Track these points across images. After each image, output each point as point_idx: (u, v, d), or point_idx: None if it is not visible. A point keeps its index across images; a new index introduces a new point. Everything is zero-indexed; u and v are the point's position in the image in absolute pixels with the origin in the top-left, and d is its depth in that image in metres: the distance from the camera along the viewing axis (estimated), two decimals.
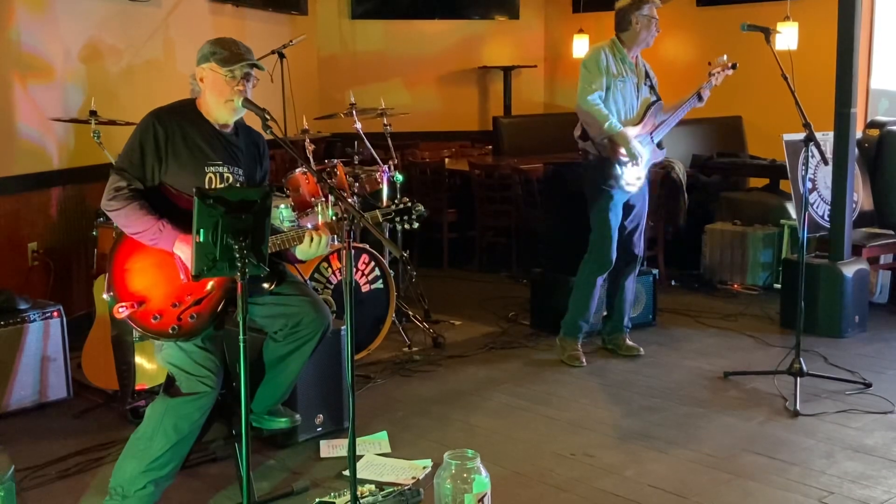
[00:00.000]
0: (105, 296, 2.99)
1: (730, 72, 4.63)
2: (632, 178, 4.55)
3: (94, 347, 4.20)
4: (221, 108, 3.02)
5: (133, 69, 5.65)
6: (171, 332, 2.91)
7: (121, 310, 2.90)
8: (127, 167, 2.95)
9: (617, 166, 4.50)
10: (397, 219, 3.14)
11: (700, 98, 4.62)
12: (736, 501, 3.19)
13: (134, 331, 3.84)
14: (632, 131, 4.54)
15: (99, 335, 4.18)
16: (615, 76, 4.58)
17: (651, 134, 4.62)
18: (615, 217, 4.60)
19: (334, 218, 3.16)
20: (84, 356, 4.24)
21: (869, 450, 3.60)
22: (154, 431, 2.94)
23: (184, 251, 2.87)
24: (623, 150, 4.50)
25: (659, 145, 4.70)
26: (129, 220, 2.90)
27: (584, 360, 4.69)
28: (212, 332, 3.00)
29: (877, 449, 3.61)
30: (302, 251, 3.07)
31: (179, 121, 3.00)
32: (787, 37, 6.13)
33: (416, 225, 3.16)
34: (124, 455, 3.00)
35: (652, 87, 4.70)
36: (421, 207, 3.17)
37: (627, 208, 4.68)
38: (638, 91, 4.65)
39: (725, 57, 4.63)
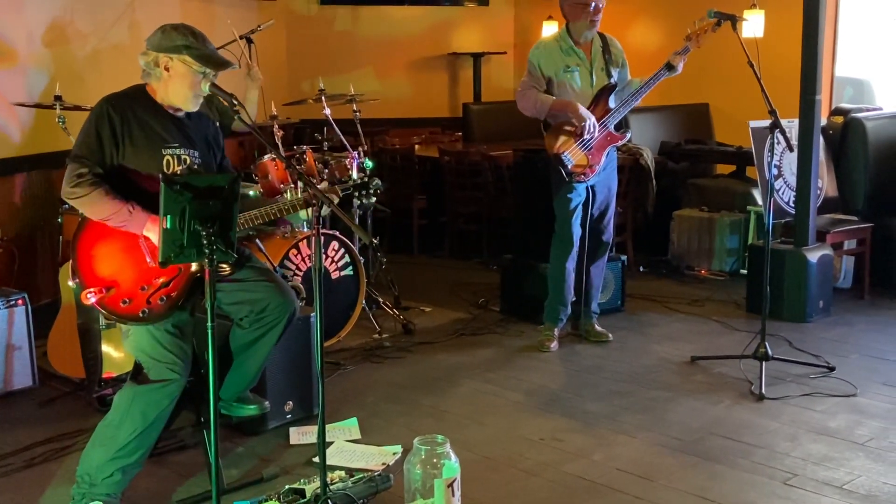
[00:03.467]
0: (70, 283, 2.96)
1: (715, 29, 4.42)
2: (578, 167, 4.50)
3: (60, 335, 4.16)
4: (186, 101, 3.00)
5: (99, 54, 5.57)
6: (141, 315, 2.89)
7: (89, 296, 2.87)
8: (86, 154, 2.90)
9: (562, 158, 4.48)
10: (356, 193, 3.14)
11: (672, 68, 4.48)
12: (702, 484, 3.24)
13: (101, 318, 3.84)
14: None
15: (65, 323, 4.13)
16: (561, 68, 4.56)
17: (604, 119, 4.54)
18: (576, 199, 4.61)
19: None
20: (50, 344, 4.19)
21: (832, 432, 3.66)
22: (122, 419, 2.93)
23: (154, 233, 2.83)
24: (573, 121, 4.47)
25: (618, 127, 4.62)
26: (96, 206, 2.87)
27: (552, 347, 4.72)
28: (186, 318, 2.99)
29: (840, 431, 3.67)
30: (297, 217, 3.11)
31: (132, 105, 2.98)
32: (753, 24, 6.16)
33: (373, 199, 3.19)
34: (92, 443, 2.98)
35: (608, 72, 4.60)
36: (378, 181, 3.17)
37: (592, 196, 4.69)
38: (591, 77, 4.60)
39: (711, 15, 4.39)
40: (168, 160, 2.97)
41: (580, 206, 4.64)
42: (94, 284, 2.89)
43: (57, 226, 4.53)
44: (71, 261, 2.94)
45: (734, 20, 4.21)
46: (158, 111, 3.02)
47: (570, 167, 4.49)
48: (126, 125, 2.93)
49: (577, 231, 4.66)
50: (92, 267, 2.91)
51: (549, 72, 4.58)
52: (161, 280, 2.90)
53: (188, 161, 3.02)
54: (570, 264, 4.72)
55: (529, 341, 4.84)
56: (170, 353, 2.94)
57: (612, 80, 4.60)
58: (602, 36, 4.67)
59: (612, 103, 4.59)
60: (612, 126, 4.59)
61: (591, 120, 4.45)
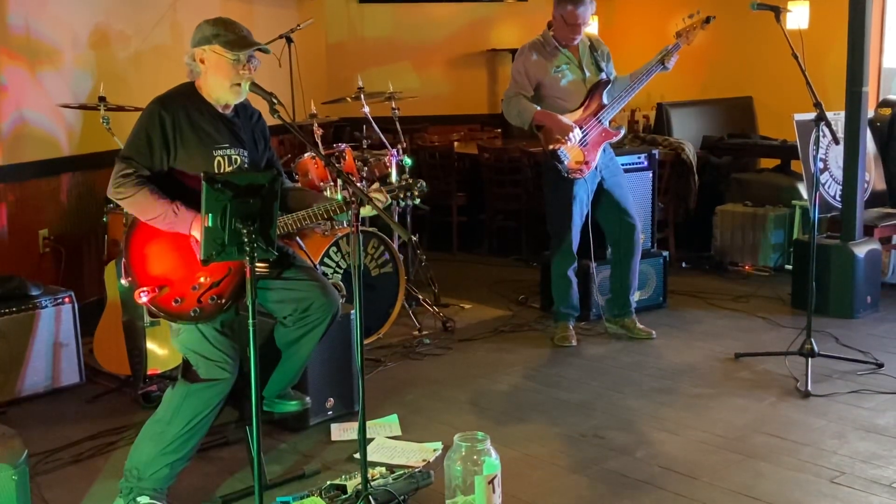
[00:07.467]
0: (123, 281, 3.00)
1: (704, 27, 4.47)
2: (575, 162, 4.45)
3: (105, 333, 4.22)
4: (227, 92, 3.00)
5: (141, 55, 5.65)
6: (192, 314, 2.91)
7: (142, 295, 2.90)
8: (134, 155, 2.92)
9: (559, 154, 4.44)
10: (401, 195, 3.13)
11: (664, 66, 4.49)
12: (747, 482, 3.19)
13: (145, 316, 3.90)
14: (570, 117, 4.48)
15: (110, 320, 4.20)
16: (551, 69, 4.53)
17: (598, 115, 4.51)
18: (577, 207, 4.56)
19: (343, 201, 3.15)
20: (96, 341, 4.26)
21: (881, 430, 3.60)
22: (172, 416, 2.96)
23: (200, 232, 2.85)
24: (556, 133, 4.43)
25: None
26: (142, 207, 2.89)
27: (573, 341, 4.70)
28: (232, 316, 3.01)
29: (888, 429, 3.60)
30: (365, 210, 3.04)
31: (184, 106, 2.98)
32: (797, 15, 6.07)
33: (418, 200, 3.16)
34: (141, 437, 3.02)
35: (598, 67, 4.59)
36: (422, 183, 3.15)
37: (607, 197, 4.64)
38: (583, 72, 4.57)
39: (699, 12, 4.48)
40: (219, 161, 2.99)
41: (579, 212, 4.58)
42: (147, 283, 2.91)
43: (102, 225, 4.60)
44: (123, 259, 2.96)
45: (777, 11, 4.15)
46: (209, 110, 3.02)
47: (566, 163, 4.46)
48: (177, 126, 2.94)
49: (576, 239, 4.61)
50: (145, 266, 2.93)
51: (538, 75, 4.55)
52: (212, 279, 2.93)
53: (238, 161, 3.03)
54: (571, 271, 4.70)
55: (553, 339, 4.79)
56: (220, 351, 2.96)
57: (604, 76, 4.59)
58: (587, 36, 4.67)
59: (605, 99, 4.57)
60: (607, 122, 4.55)
61: (574, 130, 4.42)
